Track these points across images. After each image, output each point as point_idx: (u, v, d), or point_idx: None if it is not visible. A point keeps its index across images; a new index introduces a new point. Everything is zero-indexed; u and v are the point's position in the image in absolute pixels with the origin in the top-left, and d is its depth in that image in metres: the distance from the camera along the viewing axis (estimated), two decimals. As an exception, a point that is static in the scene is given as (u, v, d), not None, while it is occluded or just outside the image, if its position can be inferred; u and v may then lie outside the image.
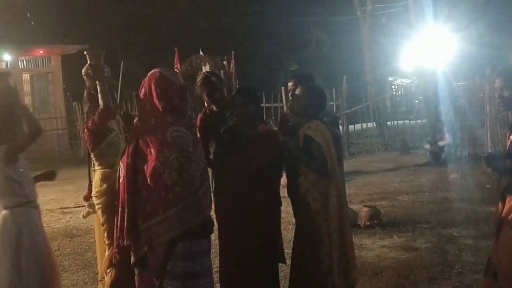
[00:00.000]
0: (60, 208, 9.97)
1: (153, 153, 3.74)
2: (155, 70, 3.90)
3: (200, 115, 4.99)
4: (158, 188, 3.74)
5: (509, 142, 3.83)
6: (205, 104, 5.03)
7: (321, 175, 4.30)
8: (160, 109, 3.81)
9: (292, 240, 4.59)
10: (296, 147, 4.36)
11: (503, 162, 3.82)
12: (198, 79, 5.03)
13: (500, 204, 3.83)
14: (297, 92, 4.56)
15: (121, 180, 3.86)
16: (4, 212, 4.07)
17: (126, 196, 3.80)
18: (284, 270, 5.12)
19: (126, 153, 3.86)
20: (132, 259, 3.85)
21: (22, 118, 4.09)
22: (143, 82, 3.89)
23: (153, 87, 3.82)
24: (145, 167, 3.76)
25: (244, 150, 4.43)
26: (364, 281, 5.34)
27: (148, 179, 3.74)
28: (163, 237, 3.76)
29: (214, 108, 4.87)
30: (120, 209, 3.84)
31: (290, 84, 5.06)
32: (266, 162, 4.39)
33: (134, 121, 3.99)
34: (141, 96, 3.88)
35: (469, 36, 19.19)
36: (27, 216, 4.11)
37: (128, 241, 3.82)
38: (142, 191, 3.79)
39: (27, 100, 23.64)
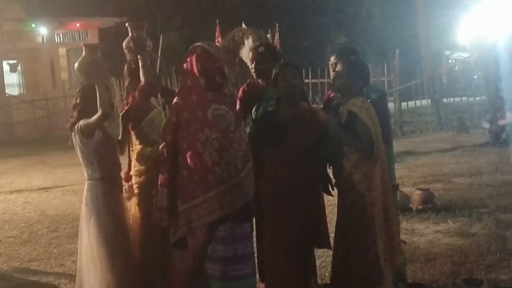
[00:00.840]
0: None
1: (193, 131, 3.76)
2: (197, 44, 3.91)
3: (243, 86, 5.02)
4: (198, 169, 3.76)
5: None
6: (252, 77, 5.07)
7: (366, 156, 4.27)
8: (201, 85, 3.82)
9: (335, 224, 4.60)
10: (338, 125, 4.33)
11: None
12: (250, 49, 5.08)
13: None
14: (338, 68, 4.52)
15: (161, 159, 3.90)
16: (87, 182, 4.41)
17: (166, 175, 3.84)
18: (322, 256, 5.15)
19: (166, 131, 3.90)
20: (171, 240, 3.89)
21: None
22: (186, 57, 3.90)
23: (194, 63, 3.83)
24: (185, 145, 3.78)
25: (284, 134, 4.42)
26: (416, 268, 5.31)
27: (188, 158, 3.76)
28: (203, 220, 3.79)
29: (259, 81, 4.89)
30: (159, 188, 3.88)
31: (332, 59, 5.02)
32: (308, 145, 4.37)
33: (175, 97, 4.03)
34: (183, 71, 3.89)
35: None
36: (100, 191, 4.34)
37: (166, 222, 3.86)
38: (183, 170, 3.81)
39: (63, 75, 24.11)
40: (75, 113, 4.34)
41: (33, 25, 22.91)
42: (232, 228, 3.86)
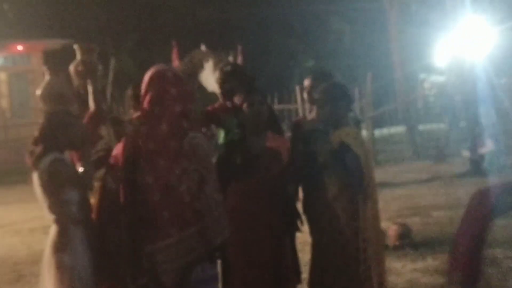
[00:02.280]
0: (42, 227, 10.00)
1: (163, 164, 3.63)
2: (161, 68, 3.82)
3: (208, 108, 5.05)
4: (171, 205, 3.62)
5: None
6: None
7: (356, 190, 4.30)
8: (176, 113, 3.73)
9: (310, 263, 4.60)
10: (328, 153, 4.33)
11: None
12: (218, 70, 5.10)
13: None
14: (318, 96, 4.55)
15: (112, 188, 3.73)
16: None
17: (123, 216, 3.65)
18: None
19: (115, 166, 3.74)
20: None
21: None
22: (145, 82, 3.77)
23: (167, 88, 3.72)
24: (150, 180, 3.62)
25: (254, 165, 4.43)
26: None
27: (155, 195, 3.61)
28: (176, 262, 3.63)
29: (226, 104, 4.91)
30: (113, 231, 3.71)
31: (306, 83, 5.06)
32: (277, 178, 4.40)
33: (126, 127, 3.96)
34: (147, 98, 3.74)
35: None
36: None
37: (124, 270, 3.68)
38: (146, 209, 3.63)
39: (4, 103, 23.82)
40: (39, 146, 4.11)
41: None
42: (203, 269, 3.80)
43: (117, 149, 3.81)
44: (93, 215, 3.66)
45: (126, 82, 6.14)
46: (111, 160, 3.80)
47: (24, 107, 22.79)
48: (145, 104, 3.77)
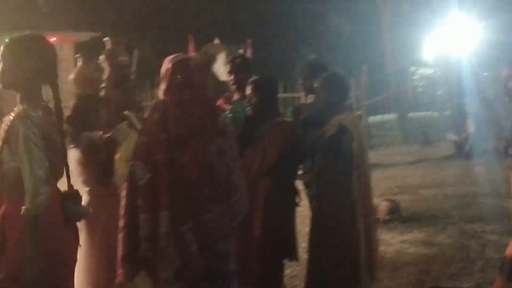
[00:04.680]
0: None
1: (199, 144, 3.47)
2: (184, 57, 3.69)
3: (220, 99, 5.03)
4: (209, 182, 3.45)
5: None
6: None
7: (342, 168, 4.29)
8: (206, 96, 3.63)
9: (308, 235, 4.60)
10: (321, 137, 4.32)
11: None
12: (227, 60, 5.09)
13: None
14: (317, 84, 4.53)
15: (141, 183, 3.45)
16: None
17: (162, 197, 3.39)
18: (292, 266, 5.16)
19: (152, 149, 3.46)
20: (162, 274, 3.42)
21: None
22: (168, 70, 3.58)
23: (193, 75, 3.57)
24: (186, 160, 3.43)
25: (256, 144, 4.42)
26: (384, 276, 5.33)
27: (193, 173, 3.43)
28: (212, 236, 3.48)
29: (236, 94, 4.90)
30: (146, 215, 3.41)
31: (302, 73, 5.08)
32: (279, 156, 4.38)
33: (149, 114, 3.76)
34: (173, 85, 3.55)
35: (496, 24, 18.98)
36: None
37: (162, 251, 3.39)
38: (179, 189, 3.43)
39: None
40: (72, 125, 4.13)
41: (6, 40, 22.63)
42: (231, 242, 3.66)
43: (145, 138, 3.58)
44: (123, 204, 3.51)
45: (147, 71, 6.12)
46: (141, 148, 3.56)
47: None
48: (173, 90, 3.57)
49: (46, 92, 3.33)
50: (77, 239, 3.37)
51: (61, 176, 3.29)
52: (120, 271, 3.47)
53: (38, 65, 3.27)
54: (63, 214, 3.18)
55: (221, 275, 3.58)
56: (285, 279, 5.06)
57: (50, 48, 3.44)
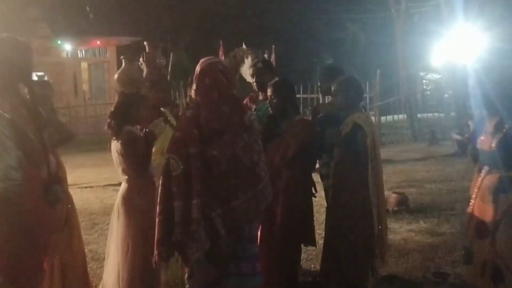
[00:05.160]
0: (112, 185, 10.15)
1: (228, 139, 3.49)
2: (213, 60, 3.70)
3: (246, 99, 5.05)
4: (236, 173, 3.48)
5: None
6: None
7: (358, 161, 4.28)
8: (234, 95, 3.66)
9: (324, 222, 4.60)
10: (338, 134, 4.32)
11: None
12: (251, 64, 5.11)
13: (491, 205, 3.67)
14: (335, 87, 4.52)
15: (175, 173, 3.45)
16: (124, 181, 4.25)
17: (194, 186, 3.42)
18: (309, 250, 5.14)
19: (187, 143, 3.47)
20: (194, 256, 3.46)
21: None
22: (199, 72, 3.61)
23: (221, 77, 3.60)
24: (216, 153, 3.47)
25: (278, 140, 4.43)
26: (391, 262, 5.31)
27: (222, 165, 3.46)
28: (239, 221, 3.51)
29: (260, 94, 4.91)
30: (180, 202, 3.43)
31: (320, 78, 5.07)
32: (299, 150, 4.38)
33: (184, 111, 3.83)
34: (203, 86, 3.58)
35: (500, 34, 18.74)
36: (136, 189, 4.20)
37: (193, 234, 3.42)
38: (210, 179, 3.47)
39: (85, 87, 24.09)
40: (115, 120, 4.16)
41: (59, 42, 22.90)
42: (255, 228, 3.71)
43: (179, 133, 3.59)
44: (159, 192, 3.50)
45: (182, 73, 6.14)
46: (175, 142, 3.55)
47: (100, 91, 23.04)
48: (203, 90, 3.61)
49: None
50: (56, 219, 3.47)
51: (44, 163, 3.33)
52: (156, 251, 3.51)
53: (10, 65, 3.28)
54: (46, 196, 3.28)
55: (246, 257, 3.61)
56: (302, 262, 5.07)
57: (24, 49, 3.40)
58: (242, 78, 5.47)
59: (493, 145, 3.71)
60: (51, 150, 3.60)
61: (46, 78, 25.08)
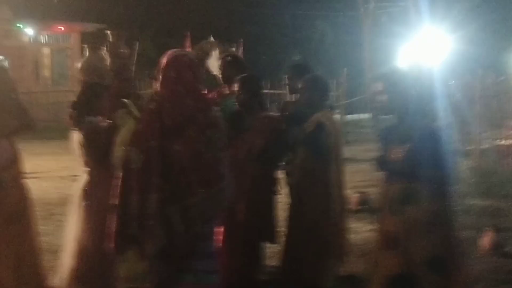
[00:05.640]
0: (70, 175, 9.97)
1: (191, 134, 3.45)
2: (179, 53, 3.65)
3: (213, 94, 5.00)
4: (198, 169, 3.43)
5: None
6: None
7: (320, 162, 4.30)
8: (199, 90, 3.62)
9: (287, 220, 4.59)
10: (301, 132, 4.33)
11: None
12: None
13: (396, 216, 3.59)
14: (301, 85, 4.52)
15: (135, 166, 3.41)
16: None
17: (153, 180, 3.38)
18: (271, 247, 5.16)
19: (149, 136, 3.44)
20: (151, 251, 3.44)
21: None
22: (164, 64, 3.55)
23: (186, 70, 3.54)
24: (178, 148, 3.42)
25: (244, 136, 4.41)
26: (352, 261, 5.34)
27: (184, 161, 3.42)
28: (201, 217, 3.46)
29: (226, 88, 4.87)
30: (137, 196, 3.39)
31: (287, 75, 5.06)
32: (264, 146, 4.37)
33: (148, 103, 3.81)
34: (168, 79, 3.52)
35: (464, 36, 19.10)
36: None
37: (150, 229, 3.38)
38: (170, 174, 3.43)
39: (46, 72, 23.64)
40: (76, 110, 4.10)
41: (19, 25, 22.42)
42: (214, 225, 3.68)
43: (141, 125, 3.56)
44: (118, 185, 3.44)
45: (147, 63, 6.06)
46: (136, 135, 3.52)
47: (63, 77, 22.64)
48: (167, 83, 3.55)
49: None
50: None
51: None
52: (112, 244, 3.45)
53: None
54: None
55: (203, 255, 3.56)
56: (264, 259, 5.05)
57: None
58: (208, 71, 5.42)
59: (398, 155, 3.66)
60: (5, 136, 3.51)
61: (5, 63, 24.42)
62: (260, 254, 4.64)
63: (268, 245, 5.00)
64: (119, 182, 3.45)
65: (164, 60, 3.56)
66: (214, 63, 5.35)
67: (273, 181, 4.57)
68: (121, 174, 3.46)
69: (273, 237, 4.62)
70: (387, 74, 3.93)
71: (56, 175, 10.08)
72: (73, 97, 4.29)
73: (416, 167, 3.52)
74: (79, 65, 4.61)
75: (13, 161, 4.02)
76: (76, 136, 4.11)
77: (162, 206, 3.39)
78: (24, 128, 4.24)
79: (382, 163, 3.80)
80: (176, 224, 3.41)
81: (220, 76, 4.99)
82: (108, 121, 4.12)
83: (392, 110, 3.75)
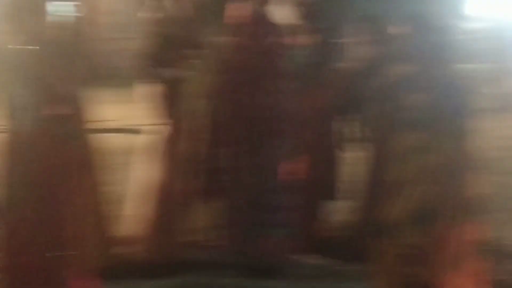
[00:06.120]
0: (135, 125, 10.01)
1: (262, 85, 3.62)
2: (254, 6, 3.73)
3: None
4: (272, 120, 3.66)
5: None
6: None
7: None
8: (272, 42, 3.79)
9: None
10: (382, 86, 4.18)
11: None
12: None
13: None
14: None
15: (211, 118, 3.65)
16: None
17: (238, 132, 3.71)
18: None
19: (219, 89, 3.61)
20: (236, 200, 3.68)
21: None
22: (241, 18, 3.72)
23: (263, 23, 3.77)
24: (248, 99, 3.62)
25: (317, 89, 4.34)
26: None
27: (256, 110, 3.61)
28: (271, 167, 3.71)
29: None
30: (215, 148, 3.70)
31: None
32: (337, 101, 4.30)
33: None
34: (246, 31, 3.76)
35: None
36: None
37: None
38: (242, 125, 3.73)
39: (106, 19, 23.81)
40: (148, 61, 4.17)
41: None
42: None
43: (223, 77, 3.77)
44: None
45: (215, 12, 5.95)
46: (219, 87, 3.75)
47: (123, 24, 22.75)
48: (241, 35, 3.70)
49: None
50: None
51: None
52: (186, 195, 3.54)
53: None
54: None
55: (276, 208, 3.66)
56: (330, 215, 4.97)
57: None
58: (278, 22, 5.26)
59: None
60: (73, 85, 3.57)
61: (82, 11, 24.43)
62: (323, 210, 4.60)
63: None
64: (201, 134, 3.51)
65: (237, 13, 3.53)
66: (286, 12, 5.19)
67: (342, 138, 4.49)
68: (203, 126, 3.50)
69: (335, 195, 4.57)
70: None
71: (118, 124, 10.16)
72: (136, 46, 4.29)
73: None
74: (150, 14, 4.55)
75: (80, 111, 4.07)
76: (147, 88, 4.12)
77: (236, 158, 3.53)
78: (92, 76, 4.27)
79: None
80: (260, 177, 3.56)
81: (296, 26, 4.82)
82: (181, 72, 4.10)
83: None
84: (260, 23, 3.60)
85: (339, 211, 4.87)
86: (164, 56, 4.11)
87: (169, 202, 4.10)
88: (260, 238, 3.65)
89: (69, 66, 3.52)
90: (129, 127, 9.88)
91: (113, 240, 4.28)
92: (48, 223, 3.20)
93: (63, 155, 3.29)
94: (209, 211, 3.83)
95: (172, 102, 4.04)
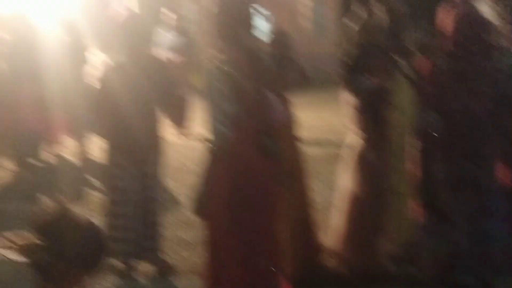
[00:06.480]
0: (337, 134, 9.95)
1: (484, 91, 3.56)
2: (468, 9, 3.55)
3: None
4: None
5: None
6: None
7: None
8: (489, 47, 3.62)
9: None
10: None
11: None
12: None
13: None
14: None
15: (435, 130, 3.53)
16: None
17: (455, 146, 3.63)
18: None
19: (438, 99, 3.56)
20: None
21: None
22: (459, 23, 3.51)
23: (481, 29, 3.58)
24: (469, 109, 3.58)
25: None
26: None
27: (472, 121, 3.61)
28: None
29: None
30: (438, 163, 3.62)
31: None
32: None
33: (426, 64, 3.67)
34: (464, 37, 3.59)
35: None
36: None
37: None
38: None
39: (307, 23, 24.16)
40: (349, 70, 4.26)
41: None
42: None
43: (430, 86, 3.69)
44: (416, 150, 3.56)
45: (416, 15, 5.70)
46: (428, 98, 3.66)
47: (324, 28, 22.93)
48: (458, 42, 3.48)
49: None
50: None
51: None
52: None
53: None
54: None
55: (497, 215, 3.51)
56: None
57: None
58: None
59: None
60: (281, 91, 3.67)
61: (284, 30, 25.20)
62: None
63: None
64: (415, 149, 3.42)
65: (453, 17, 3.37)
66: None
67: None
68: (417, 140, 3.41)
69: None
70: None
71: (319, 131, 10.04)
72: (337, 51, 4.25)
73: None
74: (351, 23, 4.53)
75: (289, 120, 4.13)
76: (347, 97, 4.07)
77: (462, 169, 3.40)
78: (299, 81, 4.33)
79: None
80: (480, 186, 3.43)
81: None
82: (382, 83, 4.00)
83: None
84: (473, 24, 3.37)
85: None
86: (367, 65, 4.03)
87: (369, 214, 4.05)
88: (481, 250, 3.45)
89: (278, 75, 3.60)
90: (329, 137, 9.82)
91: (317, 249, 4.32)
92: (260, 234, 3.30)
93: (271, 165, 3.35)
94: (415, 225, 3.70)
95: (372, 112, 3.97)
